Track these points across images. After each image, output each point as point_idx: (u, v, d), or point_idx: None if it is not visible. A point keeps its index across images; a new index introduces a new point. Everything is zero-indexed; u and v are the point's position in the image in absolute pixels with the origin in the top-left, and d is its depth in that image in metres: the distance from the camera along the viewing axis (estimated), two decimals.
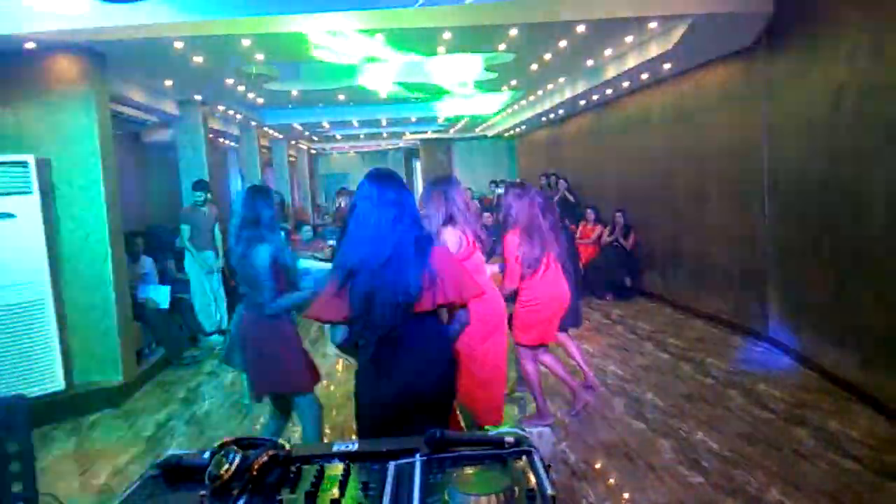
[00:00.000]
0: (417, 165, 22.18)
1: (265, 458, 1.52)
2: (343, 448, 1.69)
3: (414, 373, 2.38)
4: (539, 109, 11.66)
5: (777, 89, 5.87)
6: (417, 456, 1.61)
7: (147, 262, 7.22)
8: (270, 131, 13.80)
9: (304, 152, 19.65)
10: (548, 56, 7.33)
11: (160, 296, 6.78)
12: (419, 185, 21.86)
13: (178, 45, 5.60)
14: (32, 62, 5.29)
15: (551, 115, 12.27)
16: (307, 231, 9.83)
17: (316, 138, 17.34)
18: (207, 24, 5.11)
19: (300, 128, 13.94)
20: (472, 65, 8.16)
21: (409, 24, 5.44)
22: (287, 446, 1.62)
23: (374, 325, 2.33)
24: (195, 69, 6.58)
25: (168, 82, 7.42)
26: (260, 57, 6.39)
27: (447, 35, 5.93)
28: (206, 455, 1.61)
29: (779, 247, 5.93)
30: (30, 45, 5.13)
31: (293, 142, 17.23)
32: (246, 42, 5.74)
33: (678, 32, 6.17)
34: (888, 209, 4.31)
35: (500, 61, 7.65)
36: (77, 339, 5.45)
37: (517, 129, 15.18)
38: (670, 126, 8.28)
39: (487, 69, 8.21)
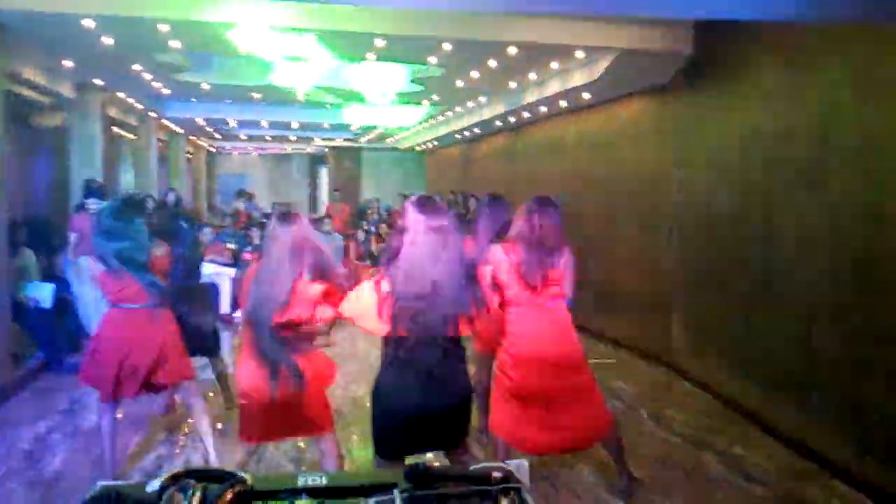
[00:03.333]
0: (324, 172, 21.74)
1: (230, 496, 1.33)
2: (311, 482, 1.52)
3: (440, 385, 2.68)
4: (455, 126, 11.72)
5: (690, 126, 6.15)
6: (396, 492, 1.47)
7: (29, 256, 6.56)
8: (170, 124, 13.06)
9: (203, 150, 18.78)
10: (475, 74, 7.36)
11: (43, 294, 6.15)
12: (325, 194, 21.42)
13: (88, 22, 5.13)
14: None
15: (466, 133, 12.35)
16: (208, 233, 9.27)
17: (218, 136, 16.60)
18: (124, 3, 4.74)
19: (203, 123, 13.27)
20: (399, 75, 8.06)
21: (344, 27, 5.28)
22: (249, 479, 1.43)
23: (416, 344, 2.63)
24: (102, 51, 6.08)
25: (68, 62, 6.82)
26: (176, 45, 5.99)
27: (380, 42, 5.80)
28: (152, 487, 1.39)
29: (685, 277, 6.19)
30: None
31: (191, 137, 16.40)
32: (164, 27, 5.36)
33: (602, 64, 6.37)
34: (797, 249, 4.57)
35: (427, 74, 7.60)
36: None
37: (430, 144, 15.21)
38: (583, 154, 8.52)
39: (414, 81, 8.14)
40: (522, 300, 3.47)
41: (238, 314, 7.10)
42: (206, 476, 1.40)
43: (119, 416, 4.03)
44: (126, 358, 3.76)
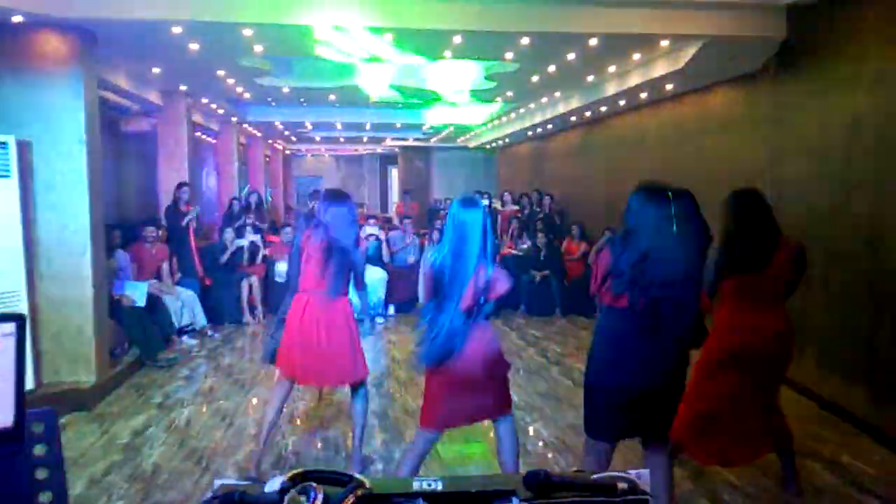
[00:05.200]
0: (394, 172, 21.93)
1: (352, 500, 1.29)
2: (426, 486, 1.46)
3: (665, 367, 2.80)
4: (527, 123, 11.58)
5: (785, 115, 5.83)
6: (515, 500, 1.40)
7: (123, 257, 6.85)
8: (249, 128, 13.44)
9: (279, 153, 19.25)
10: (552, 68, 7.22)
11: (137, 293, 6.41)
12: (395, 194, 21.61)
13: (176, 29, 5.30)
14: (18, 36, 4.93)
15: (538, 130, 12.20)
16: (288, 232, 9.50)
17: (294, 138, 16.99)
18: (210, 9, 4.87)
19: (280, 126, 13.61)
20: (472, 72, 8.01)
21: (421, 25, 5.25)
22: (367, 483, 1.39)
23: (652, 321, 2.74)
24: (189, 57, 6.28)
25: (156, 70, 7.09)
26: (259, 48, 6.12)
27: (457, 39, 5.76)
28: (271, 487, 1.37)
29: None
30: (17, 19, 4.78)
31: (269, 141, 16.84)
32: (248, 31, 5.47)
33: (688, 53, 6.12)
34: None
35: (502, 70, 7.51)
36: (49, 336, 5.08)
37: (500, 142, 15.10)
38: (665, 148, 8.24)
39: (487, 78, 8.06)
40: (735, 295, 3.45)
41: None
42: (324, 478, 1.37)
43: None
44: (305, 343, 3.77)
